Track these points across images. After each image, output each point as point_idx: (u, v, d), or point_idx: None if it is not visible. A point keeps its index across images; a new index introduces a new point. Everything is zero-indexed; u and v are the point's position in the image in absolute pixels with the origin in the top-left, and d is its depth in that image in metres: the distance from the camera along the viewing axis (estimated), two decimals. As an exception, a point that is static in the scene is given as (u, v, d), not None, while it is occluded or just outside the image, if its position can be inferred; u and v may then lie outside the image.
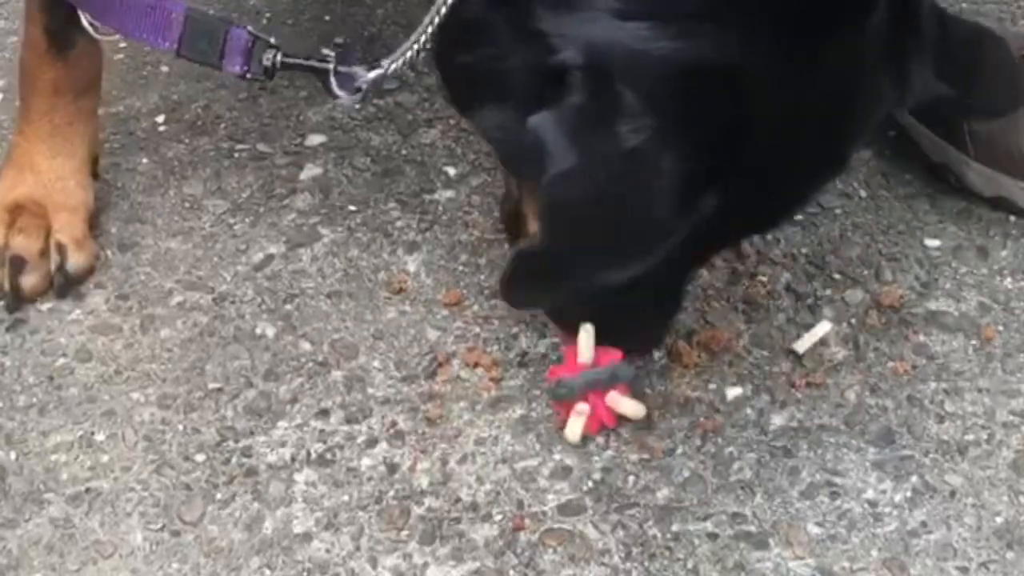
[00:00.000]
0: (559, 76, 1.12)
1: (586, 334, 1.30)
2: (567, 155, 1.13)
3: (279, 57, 1.30)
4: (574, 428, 1.31)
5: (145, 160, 1.60)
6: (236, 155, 1.59)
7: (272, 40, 1.30)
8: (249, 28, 1.30)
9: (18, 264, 1.43)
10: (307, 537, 1.27)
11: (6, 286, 1.43)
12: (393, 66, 1.26)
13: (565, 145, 1.13)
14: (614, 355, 1.31)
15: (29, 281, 1.44)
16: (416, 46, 1.23)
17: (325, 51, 1.30)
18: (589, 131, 1.12)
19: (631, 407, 1.32)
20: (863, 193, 1.53)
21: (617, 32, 1.11)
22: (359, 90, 1.28)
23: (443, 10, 1.20)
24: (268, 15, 1.76)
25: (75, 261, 1.45)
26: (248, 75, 1.31)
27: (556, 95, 1.12)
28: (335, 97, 1.28)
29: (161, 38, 1.31)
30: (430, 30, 1.21)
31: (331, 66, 1.28)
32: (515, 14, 1.15)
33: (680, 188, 1.12)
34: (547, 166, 1.13)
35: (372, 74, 1.27)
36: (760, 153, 1.15)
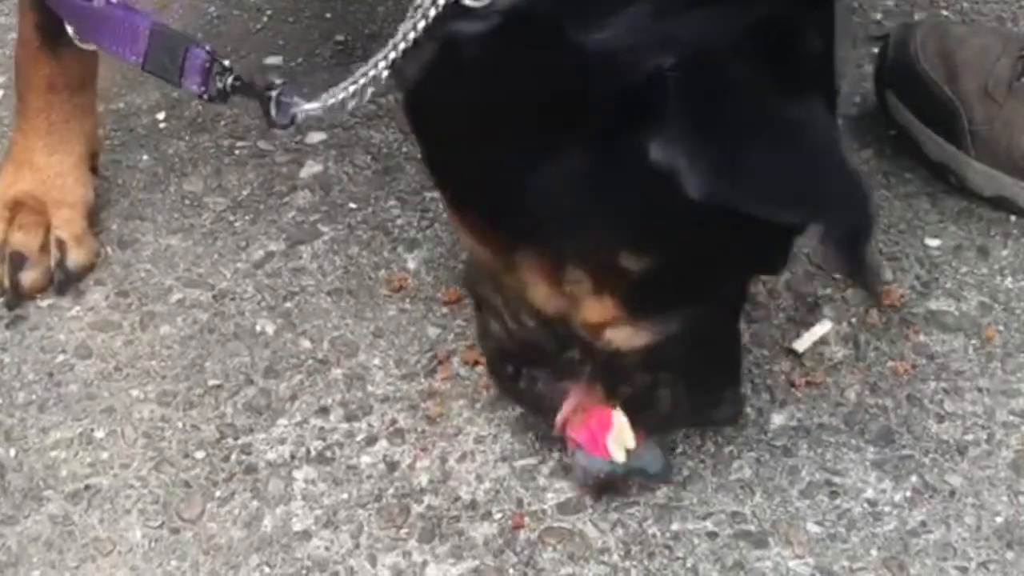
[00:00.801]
0: (641, 92, 1.04)
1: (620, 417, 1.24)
2: (700, 167, 1.03)
3: (230, 80, 1.28)
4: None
5: (145, 157, 1.60)
6: (236, 152, 1.59)
7: (227, 63, 1.29)
8: (208, 48, 1.29)
9: (18, 260, 1.43)
10: (306, 535, 1.27)
11: (6, 283, 1.43)
12: (331, 101, 1.19)
13: (691, 160, 1.03)
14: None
15: (29, 277, 1.44)
16: (364, 80, 1.16)
17: (274, 79, 1.27)
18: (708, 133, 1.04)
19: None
20: (864, 192, 1.53)
21: (682, 25, 1.05)
22: (293, 122, 1.24)
23: (402, 45, 1.12)
24: (269, 12, 1.76)
25: (75, 257, 1.45)
26: (205, 96, 1.30)
27: (649, 112, 1.04)
28: (270, 126, 1.26)
29: (129, 51, 1.30)
30: (382, 64, 1.14)
31: (273, 94, 1.25)
32: (539, 38, 1.07)
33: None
34: (685, 187, 1.04)
35: (306, 106, 1.22)
36: None
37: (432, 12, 1.10)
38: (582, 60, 1.06)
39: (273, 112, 1.24)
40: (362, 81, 1.17)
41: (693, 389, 1.24)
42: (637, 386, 1.23)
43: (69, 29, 1.35)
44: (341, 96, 1.19)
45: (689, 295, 1.17)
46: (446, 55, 1.11)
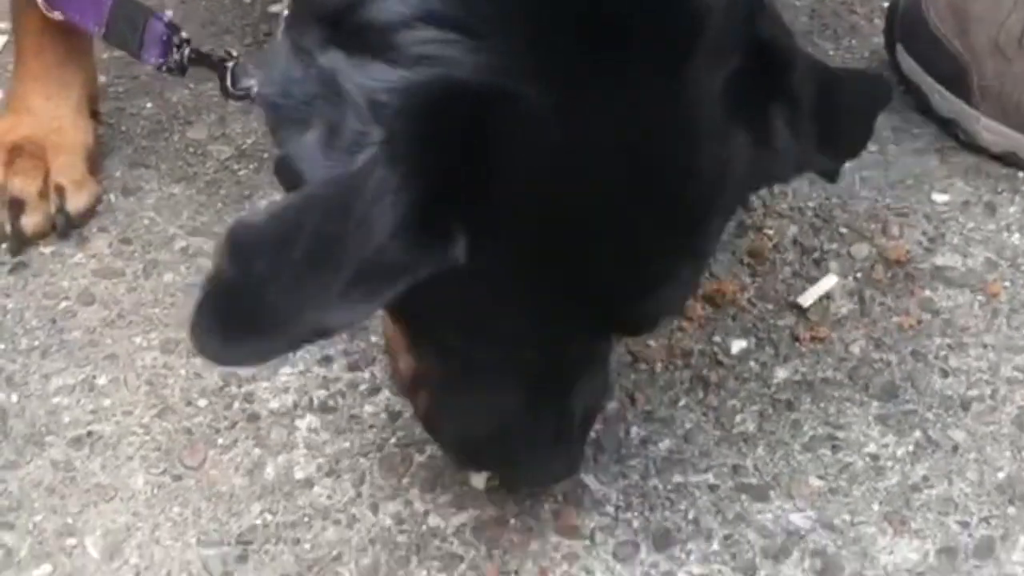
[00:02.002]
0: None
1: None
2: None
3: (187, 51, 1.28)
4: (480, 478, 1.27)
5: (149, 105, 1.59)
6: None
7: (184, 34, 1.28)
8: (167, 19, 1.29)
9: (17, 206, 1.43)
10: (308, 483, 1.27)
11: (7, 228, 1.43)
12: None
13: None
14: None
15: (30, 223, 1.43)
16: None
17: (231, 51, 1.29)
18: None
19: None
20: (871, 147, 1.52)
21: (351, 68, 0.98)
22: (248, 94, 1.26)
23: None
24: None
25: (75, 202, 1.44)
26: (164, 68, 1.29)
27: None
28: (226, 97, 1.27)
29: (92, 21, 1.30)
30: None
31: (229, 66, 1.26)
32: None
33: (407, 214, 0.93)
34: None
35: (255, 80, 1.23)
36: (540, 198, 0.97)
37: None
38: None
39: (229, 84, 1.25)
40: None
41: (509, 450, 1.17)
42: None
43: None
44: None
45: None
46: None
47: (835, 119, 1.09)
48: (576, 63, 0.95)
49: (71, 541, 1.24)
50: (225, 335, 0.96)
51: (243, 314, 0.95)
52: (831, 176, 1.18)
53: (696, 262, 1.09)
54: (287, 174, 1.01)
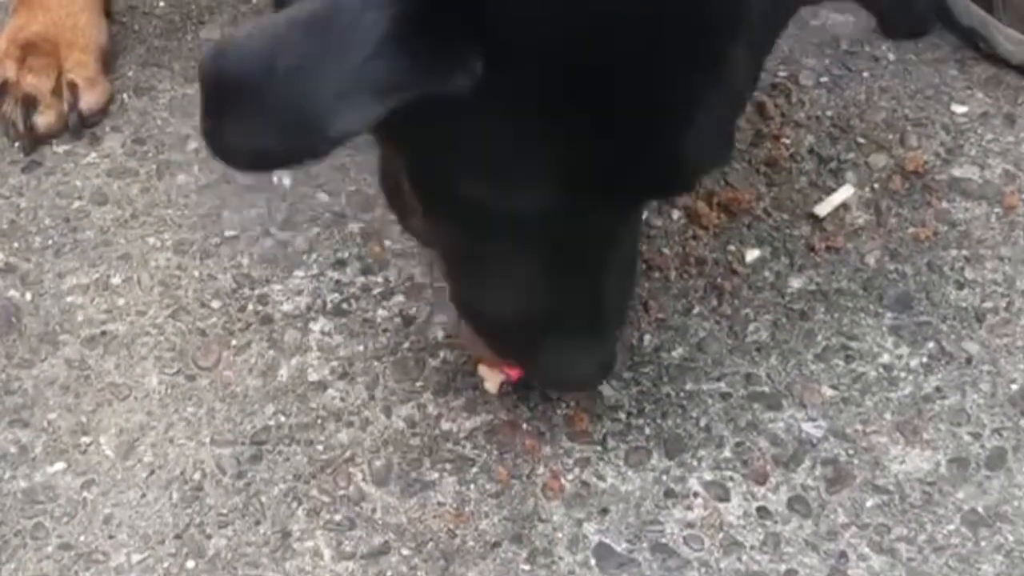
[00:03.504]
0: None
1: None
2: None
3: None
4: (494, 381, 1.25)
5: (162, 3, 1.57)
6: (253, 0, 1.57)
7: None
8: None
9: (30, 103, 1.42)
10: (322, 385, 1.27)
11: (20, 126, 1.42)
12: None
13: None
14: None
15: (43, 121, 1.42)
16: None
17: None
18: None
19: None
20: (891, 56, 1.51)
21: None
22: None
23: None
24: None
25: (87, 100, 1.43)
26: None
27: None
28: None
29: None
30: None
31: None
32: None
33: (398, 25, 0.90)
34: None
35: None
36: (557, 18, 0.94)
37: None
38: None
39: None
40: None
41: (548, 346, 1.13)
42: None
43: None
44: None
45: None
46: None
47: None
48: None
49: (85, 439, 1.24)
50: (231, 134, 0.93)
51: (243, 115, 0.92)
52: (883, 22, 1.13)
53: (724, 95, 1.01)
54: None
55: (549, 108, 0.97)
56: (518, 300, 1.11)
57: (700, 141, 1.02)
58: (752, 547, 1.19)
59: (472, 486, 1.22)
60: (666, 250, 1.36)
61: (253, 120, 0.92)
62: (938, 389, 1.28)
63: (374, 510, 1.21)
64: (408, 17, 0.90)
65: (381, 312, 1.32)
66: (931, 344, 1.30)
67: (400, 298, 1.33)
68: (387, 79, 0.91)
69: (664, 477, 1.22)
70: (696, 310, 1.33)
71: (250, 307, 1.32)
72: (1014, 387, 1.28)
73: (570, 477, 1.23)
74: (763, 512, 1.21)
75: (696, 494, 1.22)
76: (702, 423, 1.26)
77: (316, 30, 0.91)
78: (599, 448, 1.24)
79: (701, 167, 1.07)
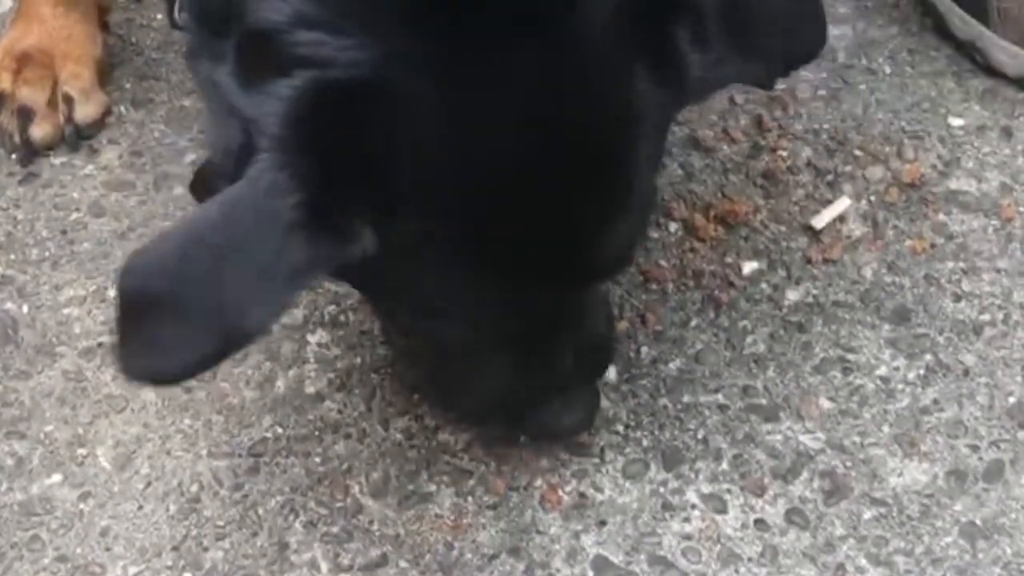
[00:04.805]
0: None
1: None
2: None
3: None
4: None
5: (159, 16, 1.57)
6: (252, 13, 1.57)
7: None
8: None
9: (26, 115, 1.42)
10: (319, 397, 1.27)
11: (17, 138, 1.42)
12: None
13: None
14: None
15: (39, 132, 1.42)
16: None
17: None
18: None
19: None
20: (887, 69, 1.51)
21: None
22: None
23: None
24: None
25: (83, 112, 1.43)
26: None
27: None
28: (173, 27, 1.21)
29: None
30: None
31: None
32: None
33: (300, 214, 0.93)
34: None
35: None
36: (442, 175, 0.97)
37: None
38: None
39: (176, 14, 1.19)
40: None
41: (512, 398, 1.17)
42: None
43: None
44: None
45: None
46: None
47: (755, 22, 1.04)
48: (448, 39, 0.94)
49: (82, 451, 1.24)
50: (149, 351, 0.96)
51: (161, 328, 0.96)
52: (763, 83, 1.14)
53: (630, 204, 1.04)
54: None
55: (455, 251, 1.00)
56: (479, 386, 1.16)
57: (618, 244, 1.06)
58: (750, 559, 1.19)
59: (470, 498, 1.22)
60: (664, 262, 1.36)
61: (174, 331, 0.95)
62: (935, 401, 1.28)
63: (371, 522, 1.21)
64: (309, 205, 0.93)
65: (378, 324, 1.32)
66: (928, 356, 1.30)
67: (397, 310, 1.33)
68: (297, 265, 0.94)
69: (662, 489, 1.22)
70: (693, 322, 1.33)
71: (247, 319, 1.32)
72: (1011, 399, 1.28)
73: (568, 489, 1.23)
74: (761, 524, 1.21)
75: (694, 506, 1.22)
76: (700, 435, 1.26)
77: (225, 231, 0.94)
78: (597, 460, 1.24)
79: (620, 263, 1.11)
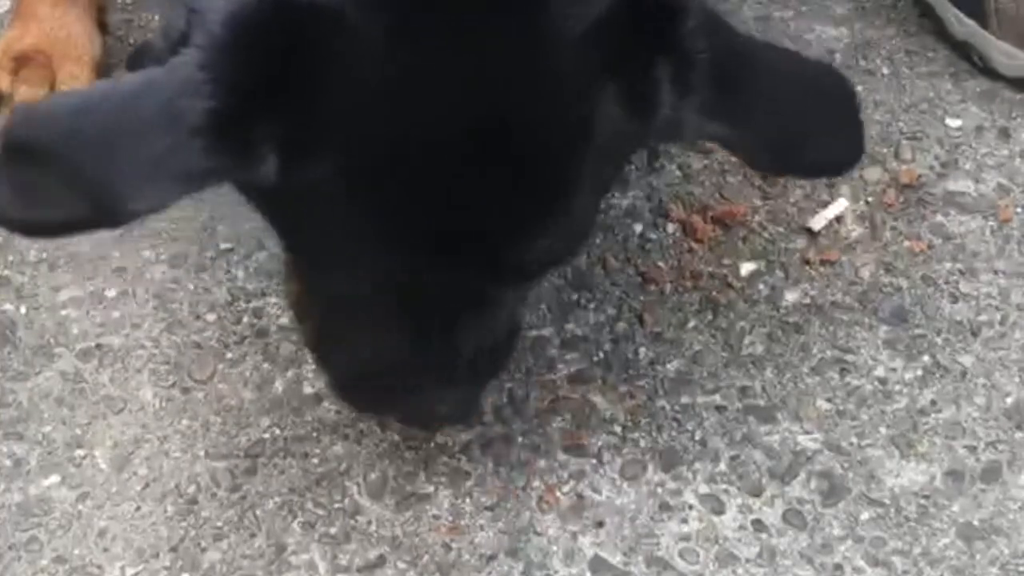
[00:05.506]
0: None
1: None
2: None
3: None
4: None
5: (158, 17, 1.57)
6: (250, 14, 1.57)
7: None
8: None
9: (23, 116, 1.42)
10: (317, 398, 1.27)
11: (15, 139, 1.42)
12: None
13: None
14: None
15: (39, 133, 1.42)
16: None
17: None
18: None
19: None
20: (885, 70, 1.51)
21: None
22: None
23: None
24: None
25: None
26: None
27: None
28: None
29: None
30: None
31: None
32: None
33: (207, 120, 0.91)
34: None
35: None
36: (368, 124, 0.94)
37: None
38: None
39: None
40: None
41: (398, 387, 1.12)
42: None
43: None
44: None
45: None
46: None
47: (747, 89, 1.01)
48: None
49: (80, 452, 1.24)
50: (20, 199, 0.95)
51: (40, 179, 0.94)
52: (753, 163, 1.12)
53: (557, 220, 0.99)
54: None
55: (365, 204, 0.96)
56: (367, 356, 1.10)
57: (537, 250, 1.01)
58: (747, 560, 1.19)
59: (467, 499, 1.22)
60: (661, 263, 1.36)
61: (50, 186, 0.93)
62: (933, 402, 1.28)
63: (369, 523, 1.21)
64: (218, 113, 0.91)
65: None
66: (926, 357, 1.30)
67: (395, 311, 1.33)
68: (189, 169, 0.93)
69: (659, 490, 1.23)
70: (691, 323, 1.33)
71: (245, 320, 1.32)
72: (1009, 400, 1.28)
73: (565, 490, 1.23)
74: (758, 525, 1.21)
75: (691, 507, 1.22)
76: (697, 436, 1.26)
77: (128, 107, 0.93)
78: (594, 461, 1.24)
79: (540, 268, 1.06)
